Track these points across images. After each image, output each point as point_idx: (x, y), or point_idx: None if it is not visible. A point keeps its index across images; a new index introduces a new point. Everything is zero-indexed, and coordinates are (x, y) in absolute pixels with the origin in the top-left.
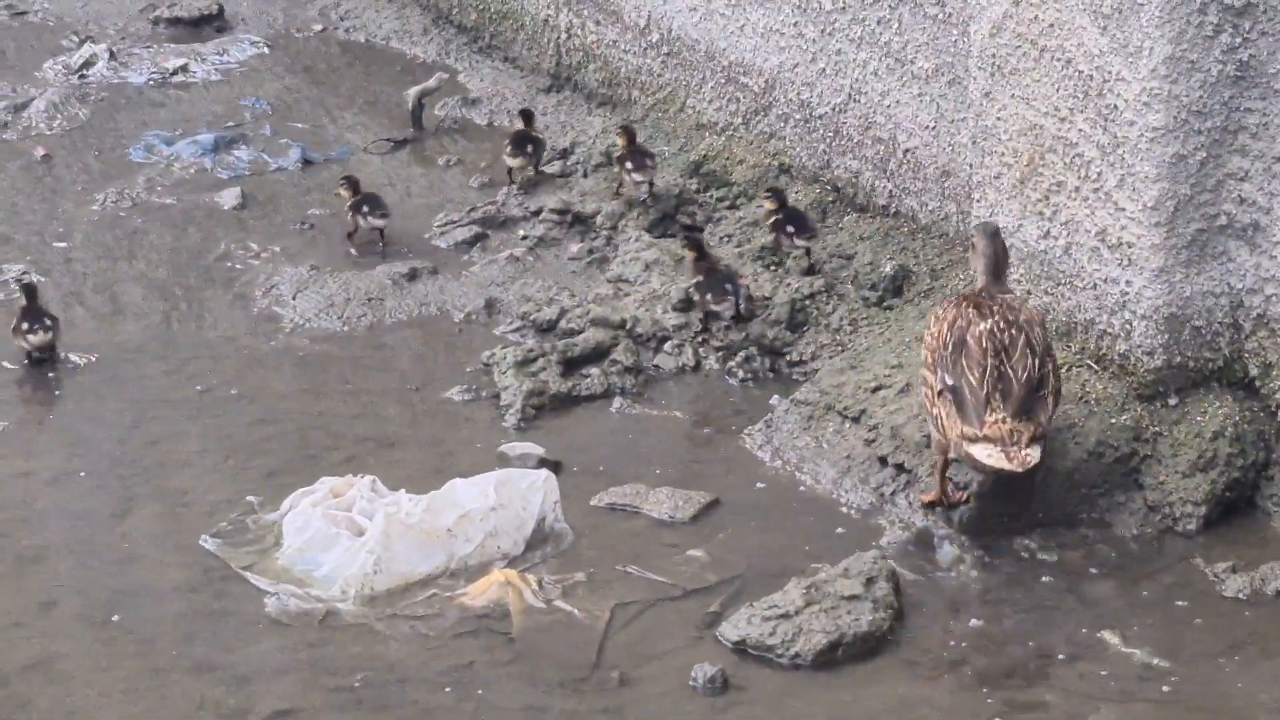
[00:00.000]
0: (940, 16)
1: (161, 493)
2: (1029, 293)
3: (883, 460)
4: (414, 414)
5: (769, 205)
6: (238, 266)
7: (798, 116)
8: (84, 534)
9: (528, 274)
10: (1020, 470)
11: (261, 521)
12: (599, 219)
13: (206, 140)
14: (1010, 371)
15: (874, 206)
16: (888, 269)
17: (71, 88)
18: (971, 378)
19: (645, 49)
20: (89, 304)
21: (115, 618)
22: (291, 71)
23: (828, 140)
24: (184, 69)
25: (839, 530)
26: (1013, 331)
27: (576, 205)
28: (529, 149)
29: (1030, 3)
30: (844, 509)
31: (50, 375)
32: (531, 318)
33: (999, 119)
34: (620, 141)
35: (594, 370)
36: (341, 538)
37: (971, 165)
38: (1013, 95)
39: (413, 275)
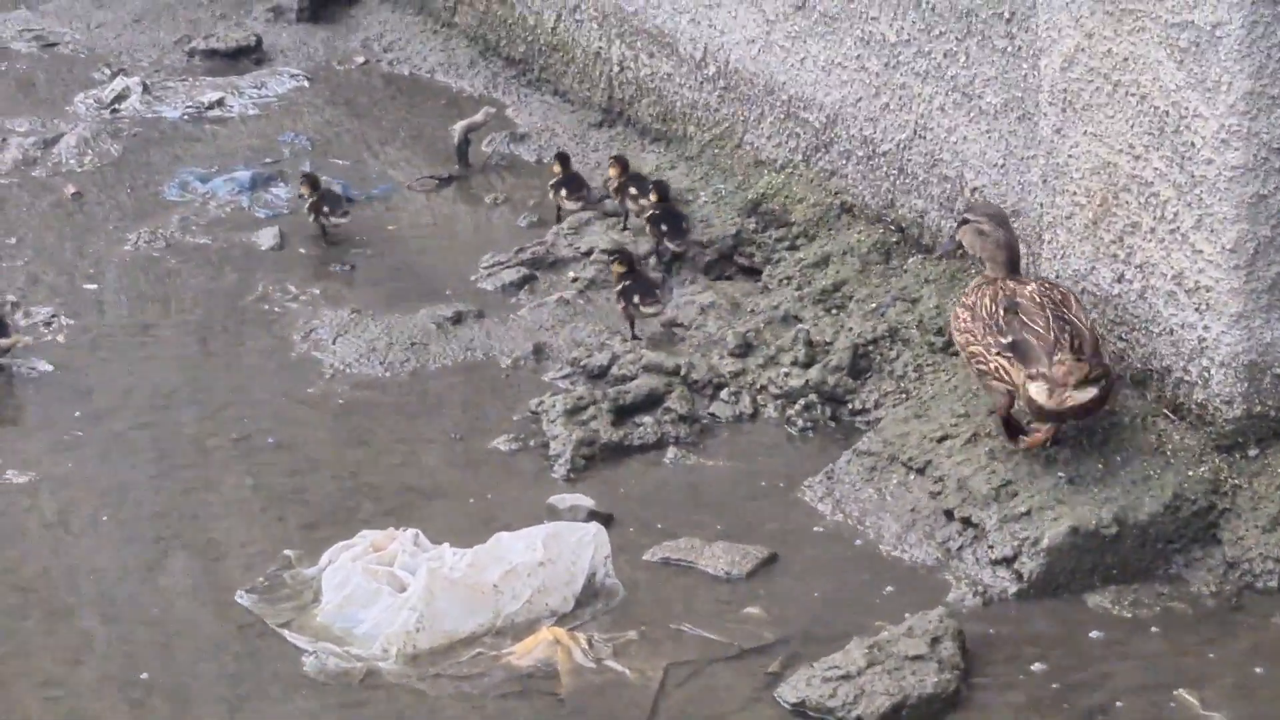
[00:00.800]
0: (1009, 49)
1: (195, 545)
2: (1101, 339)
3: (949, 514)
4: (458, 464)
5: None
6: (275, 309)
7: (860, 153)
8: (114, 589)
9: (578, 317)
10: (1065, 406)
11: (299, 576)
12: (651, 260)
13: (244, 177)
14: (1075, 319)
15: (940, 248)
16: None
17: (103, 122)
18: (1035, 327)
19: (701, 82)
20: (120, 347)
21: (145, 676)
22: (332, 105)
23: (892, 178)
24: (220, 103)
25: (903, 587)
26: (1060, 292)
27: (629, 246)
28: (583, 191)
29: (1103, 36)
30: (908, 565)
31: (80, 423)
32: (582, 363)
33: (1070, 156)
34: (613, 172)
35: (647, 419)
36: (383, 594)
37: (1042, 205)
38: (1085, 132)
39: (458, 319)
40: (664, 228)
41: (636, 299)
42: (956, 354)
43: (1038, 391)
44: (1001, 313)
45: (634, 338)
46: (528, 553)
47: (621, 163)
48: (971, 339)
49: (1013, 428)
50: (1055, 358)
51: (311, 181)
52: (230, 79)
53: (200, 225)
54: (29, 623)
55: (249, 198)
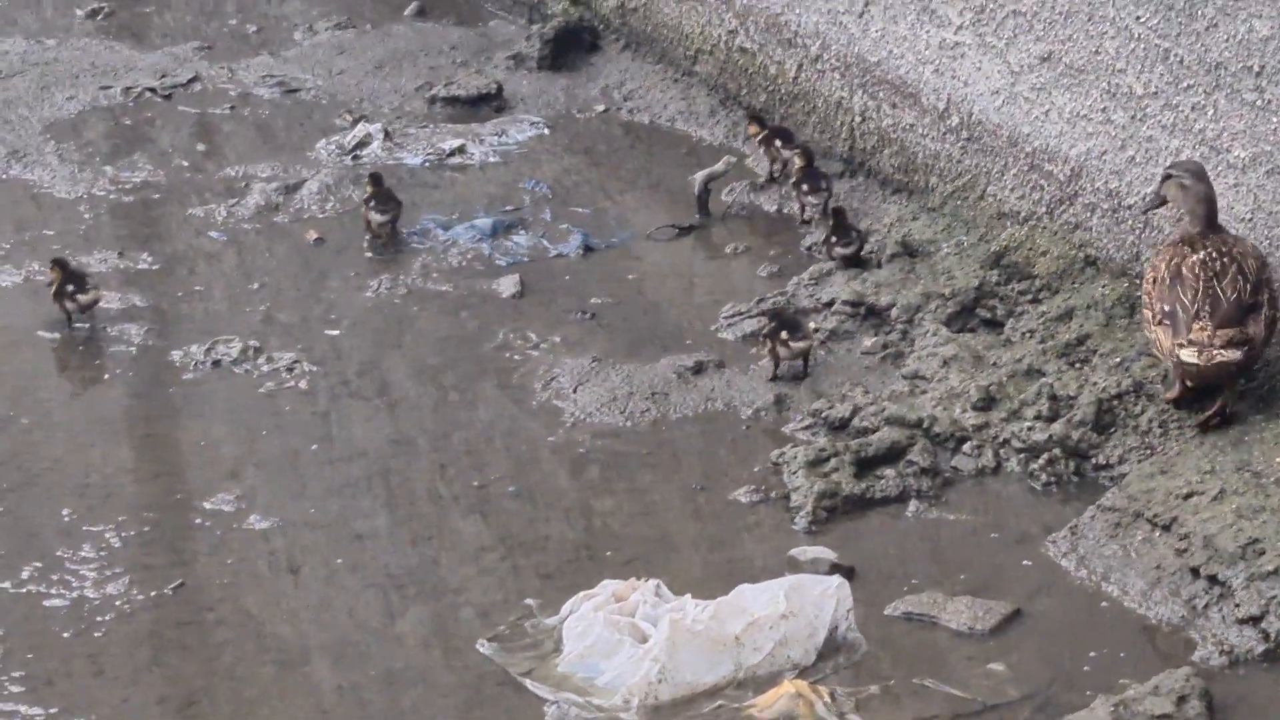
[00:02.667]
0: (1259, 103)
1: (435, 594)
2: None
3: (1195, 571)
4: (699, 515)
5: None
6: (516, 357)
7: (1105, 206)
8: (352, 637)
9: (819, 369)
10: (1207, 365)
11: (540, 625)
12: (894, 311)
13: (484, 225)
14: (1221, 292)
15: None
16: None
17: (345, 169)
18: (1185, 299)
19: (944, 134)
20: (359, 394)
21: None
22: (572, 153)
23: (1137, 232)
24: (461, 150)
25: (1148, 645)
26: (1224, 260)
27: (870, 297)
28: (854, 234)
29: None
30: (1153, 622)
31: (321, 468)
32: (823, 415)
33: None
34: (753, 129)
35: (889, 471)
36: (624, 644)
37: None
38: None
39: (698, 369)
40: (805, 186)
41: (784, 335)
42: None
43: (1188, 355)
44: (1168, 280)
45: (775, 378)
46: (770, 605)
47: (759, 119)
48: (1148, 300)
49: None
50: (1195, 325)
51: (61, 264)
52: (471, 126)
53: (441, 272)
54: (266, 669)
55: (490, 245)
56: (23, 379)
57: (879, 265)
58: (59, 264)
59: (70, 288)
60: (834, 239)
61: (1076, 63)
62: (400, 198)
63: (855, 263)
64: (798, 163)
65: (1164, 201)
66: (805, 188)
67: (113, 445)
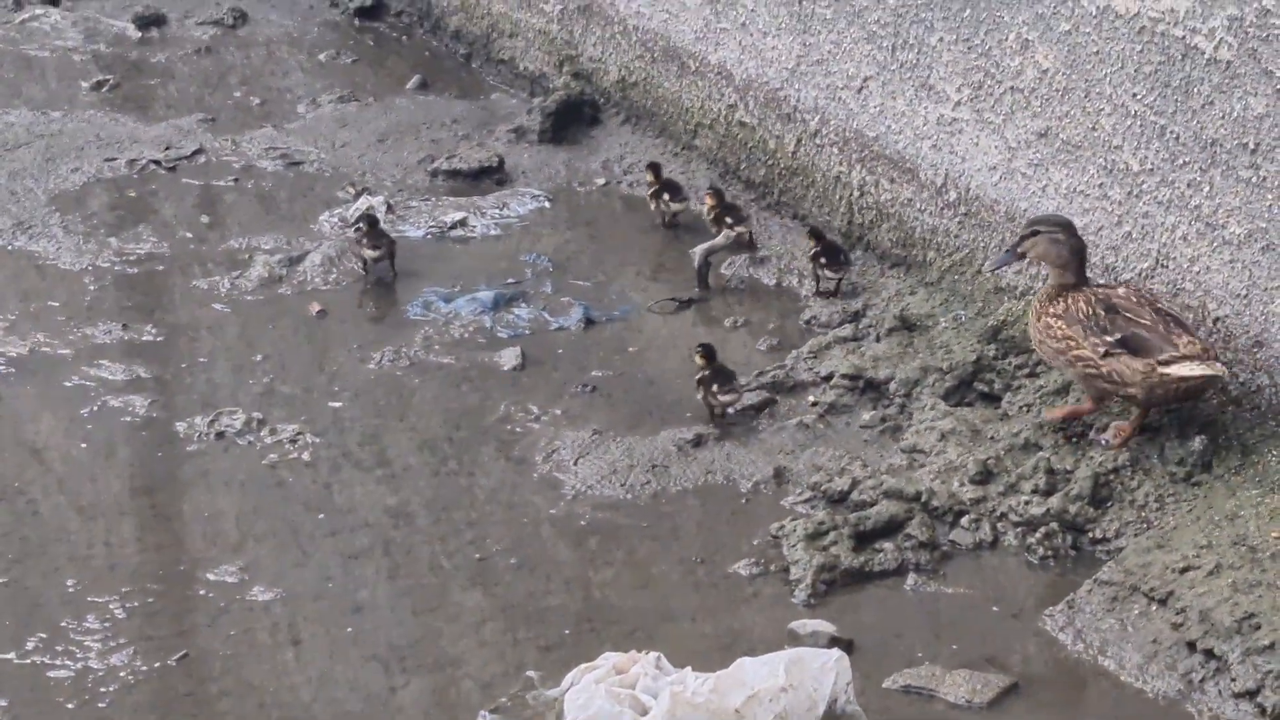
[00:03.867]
0: (1254, 180)
1: (436, 665)
2: None
3: (1191, 645)
4: (699, 587)
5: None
6: (517, 429)
7: (1101, 281)
8: (354, 709)
9: (818, 442)
10: (1221, 375)
11: (541, 697)
12: (892, 385)
13: (486, 297)
14: (1172, 311)
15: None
16: (1196, 444)
17: (347, 241)
18: (1142, 321)
19: (942, 208)
20: (362, 465)
21: None
22: (572, 226)
23: None
24: (463, 223)
25: (1144, 719)
26: (1145, 294)
27: (869, 371)
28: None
29: None
30: (1150, 696)
31: (323, 539)
32: (822, 488)
33: None
34: (710, 201)
35: (887, 544)
36: (625, 716)
37: None
38: None
39: (698, 442)
40: (824, 260)
41: (715, 388)
42: (1198, 485)
43: (1182, 369)
44: (1101, 313)
45: (713, 423)
46: (770, 678)
47: (718, 194)
48: (1073, 343)
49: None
50: (1183, 340)
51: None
52: (473, 199)
53: (443, 345)
54: None
55: (491, 318)
56: (26, 450)
57: (877, 339)
58: None
59: None
60: (823, 260)
61: (1073, 139)
62: (393, 236)
63: (836, 293)
64: (810, 245)
65: (1022, 257)
66: (824, 261)
67: (117, 516)
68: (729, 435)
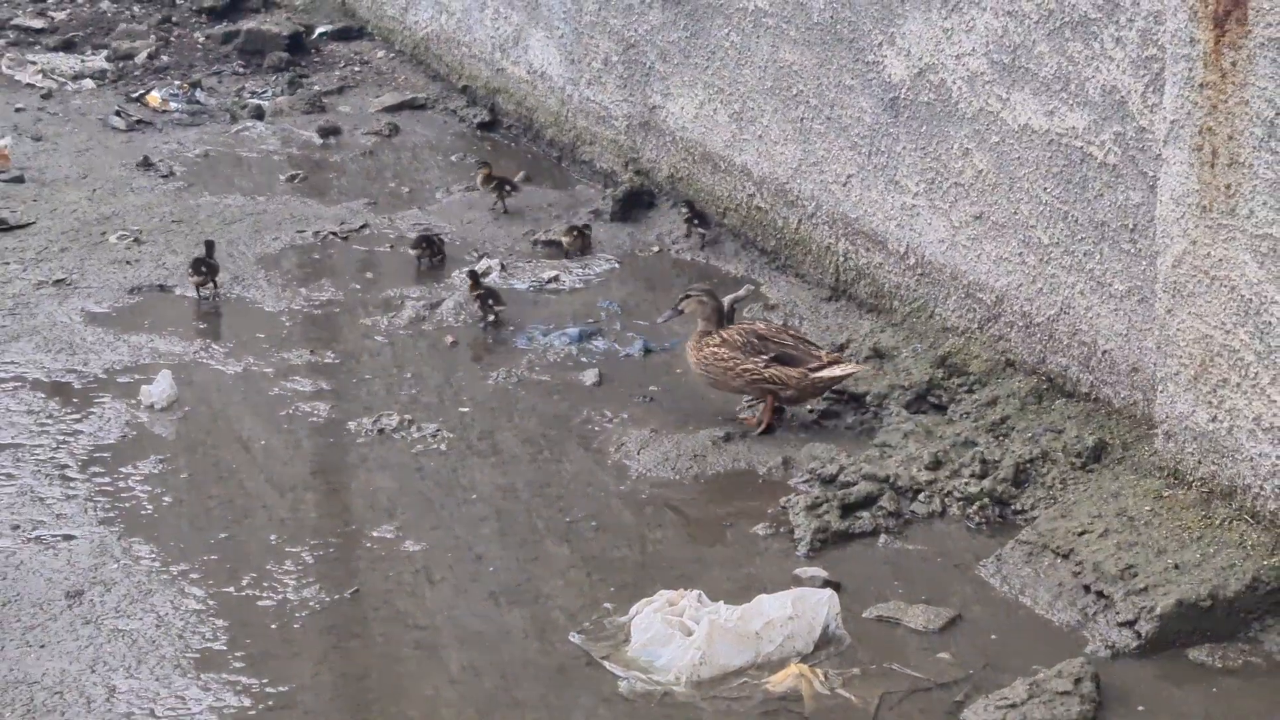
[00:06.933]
0: (1134, 251)
1: (534, 599)
2: (1199, 464)
3: (1086, 588)
4: (729, 543)
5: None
6: (594, 428)
7: (1020, 324)
8: (475, 630)
9: (815, 439)
10: (853, 372)
11: (615, 623)
12: (868, 398)
13: (573, 333)
14: (797, 335)
15: (1079, 394)
16: (1090, 441)
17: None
18: (785, 342)
19: (904, 270)
20: (481, 454)
21: (491, 689)
22: (635, 281)
23: (1044, 342)
24: (555, 279)
25: (1053, 641)
26: (770, 323)
27: (851, 387)
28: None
29: (1204, 243)
30: (1057, 625)
31: (453, 507)
32: (818, 472)
33: (1178, 330)
34: (483, 172)
35: (865, 514)
36: (675, 637)
37: (1156, 365)
38: (1189, 312)
39: (728, 438)
40: (696, 221)
41: (491, 302)
42: (1091, 472)
43: (831, 371)
44: (754, 340)
45: (483, 322)
46: (781, 609)
47: (487, 165)
48: (738, 363)
49: (770, 421)
50: (818, 353)
51: (473, 277)
52: (562, 261)
53: (541, 366)
54: (413, 652)
55: (576, 347)
56: (240, 443)
57: (857, 364)
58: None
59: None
60: (695, 222)
61: (1000, 220)
62: (504, 302)
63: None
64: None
65: (681, 313)
66: (696, 222)
67: (304, 490)
68: (750, 435)
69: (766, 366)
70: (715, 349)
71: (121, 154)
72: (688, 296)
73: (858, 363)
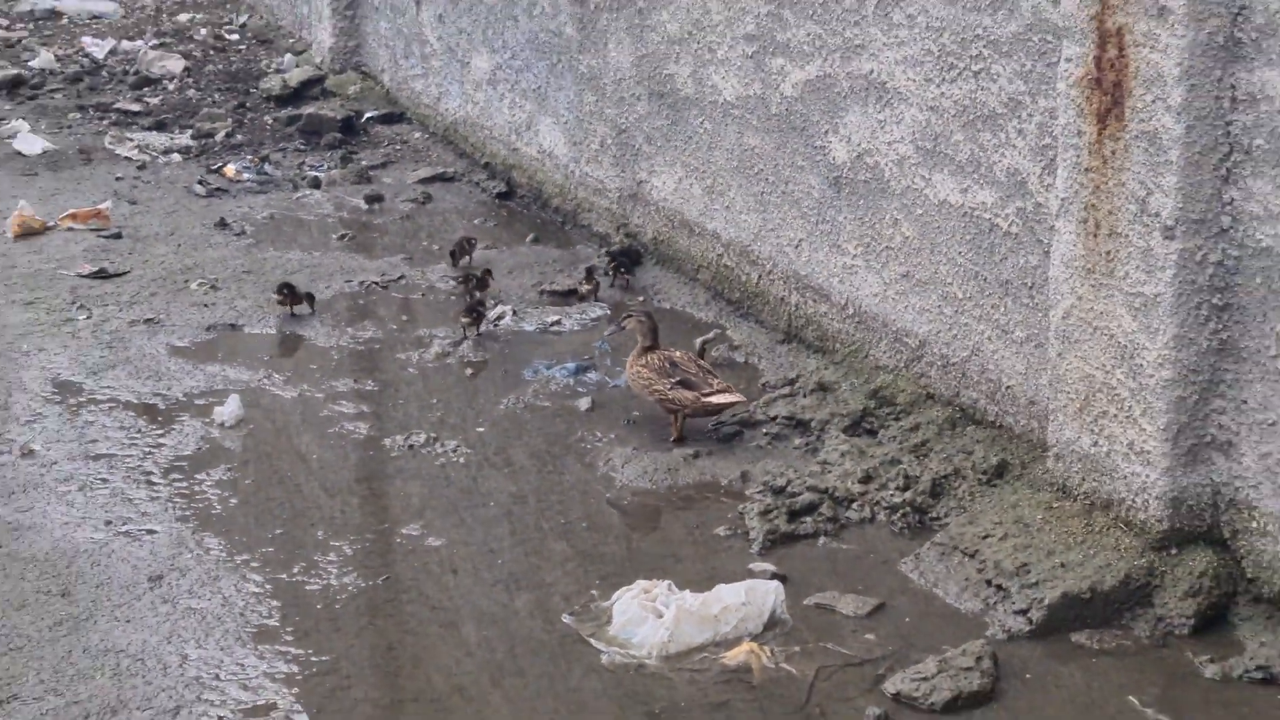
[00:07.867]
0: (1031, 305)
1: (537, 586)
2: (1083, 480)
3: (988, 582)
4: (695, 542)
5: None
6: (588, 446)
7: (939, 364)
8: (488, 610)
9: (768, 457)
10: (738, 401)
11: (599, 607)
12: (813, 423)
13: (571, 367)
14: (700, 368)
15: (986, 422)
16: (994, 461)
17: (489, 333)
18: (690, 370)
19: (845, 318)
20: (495, 466)
21: (501, 658)
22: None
23: (958, 379)
24: (558, 322)
25: (960, 626)
26: (686, 354)
27: (799, 415)
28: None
29: (1088, 299)
30: (964, 613)
31: (469, 510)
32: (770, 484)
33: (1066, 370)
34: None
35: (808, 519)
36: (649, 619)
37: (1048, 398)
38: (1076, 356)
39: (696, 455)
40: (622, 269)
41: (476, 315)
42: (995, 486)
43: (718, 399)
44: (668, 366)
45: (466, 337)
46: (736, 597)
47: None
48: (653, 382)
49: (680, 433)
50: (712, 383)
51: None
52: (563, 308)
53: (544, 394)
54: (435, 629)
55: (574, 379)
56: (295, 454)
57: (805, 395)
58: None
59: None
60: (621, 270)
61: (923, 278)
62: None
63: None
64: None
65: (622, 329)
66: (621, 270)
67: (348, 495)
68: (715, 452)
69: (671, 389)
70: (641, 369)
71: (202, 215)
72: (629, 316)
73: (739, 394)
